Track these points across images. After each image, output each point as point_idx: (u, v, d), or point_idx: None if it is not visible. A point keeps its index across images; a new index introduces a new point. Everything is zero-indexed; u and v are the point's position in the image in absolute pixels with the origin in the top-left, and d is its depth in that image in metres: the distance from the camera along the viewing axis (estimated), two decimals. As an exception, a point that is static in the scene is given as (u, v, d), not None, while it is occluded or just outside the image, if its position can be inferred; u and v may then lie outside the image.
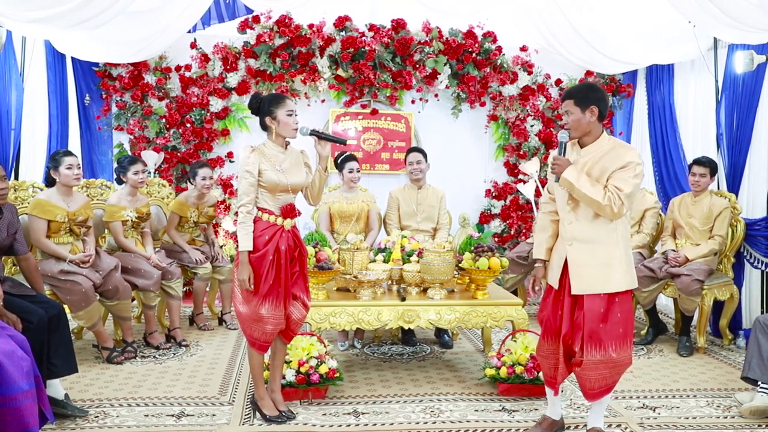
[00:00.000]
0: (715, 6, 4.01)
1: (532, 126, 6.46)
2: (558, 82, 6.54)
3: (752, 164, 4.77)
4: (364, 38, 6.10)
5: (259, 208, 3.16)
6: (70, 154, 4.07)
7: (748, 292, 4.86)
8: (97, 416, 3.29)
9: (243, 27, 6.06)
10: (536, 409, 3.45)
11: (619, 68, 6.17)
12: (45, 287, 3.72)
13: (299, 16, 6.04)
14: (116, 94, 6.04)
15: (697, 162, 4.68)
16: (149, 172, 5.66)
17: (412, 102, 6.46)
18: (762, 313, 4.63)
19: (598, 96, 2.88)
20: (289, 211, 3.21)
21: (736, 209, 4.69)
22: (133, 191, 4.56)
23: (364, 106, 6.39)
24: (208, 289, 5.19)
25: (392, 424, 3.26)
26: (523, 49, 6.43)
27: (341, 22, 6.11)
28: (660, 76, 5.88)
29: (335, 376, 3.54)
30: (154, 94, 5.99)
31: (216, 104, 6.08)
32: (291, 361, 3.49)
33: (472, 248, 3.90)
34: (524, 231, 6.44)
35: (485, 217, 6.55)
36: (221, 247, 5.39)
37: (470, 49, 6.26)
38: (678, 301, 4.60)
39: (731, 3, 3.96)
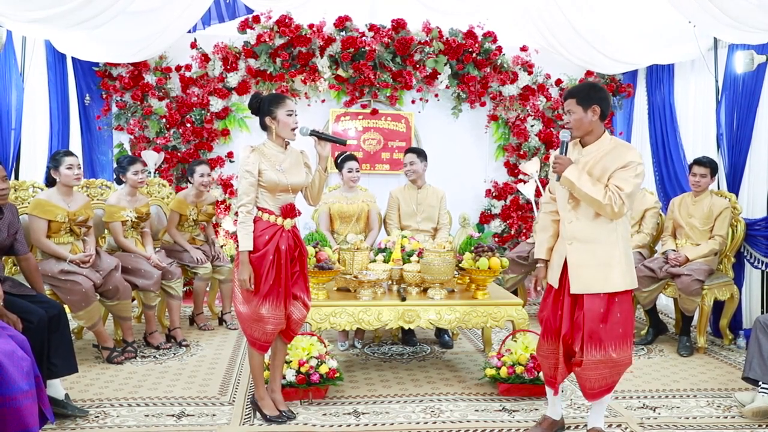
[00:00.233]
0: (715, 6, 4.01)
1: (532, 126, 6.46)
2: (558, 82, 6.54)
3: (752, 164, 4.78)
4: (364, 38, 6.10)
5: (259, 208, 3.16)
6: (70, 154, 4.08)
7: (748, 292, 4.86)
8: (98, 416, 3.29)
9: (243, 27, 6.06)
10: (536, 409, 3.45)
11: (619, 68, 6.17)
12: (45, 287, 3.72)
13: (299, 16, 6.04)
14: (116, 94, 6.04)
15: (698, 162, 4.68)
16: (149, 172, 5.66)
17: (412, 102, 6.45)
18: (762, 313, 4.62)
19: (600, 95, 2.88)
20: (289, 211, 3.21)
21: (736, 209, 4.69)
22: (133, 191, 4.56)
23: (364, 106, 6.39)
24: (208, 289, 5.19)
25: (392, 424, 3.26)
26: (523, 49, 6.43)
27: (341, 22, 6.11)
28: (660, 76, 5.88)
29: (335, 376, 3.54)
30: (155, 94, 5.99)
31: (216, 104, 6.08)
32: (291, 361, 3.49)
33: (473, 248, 3.90)
34: (524, 231, 6.44)
35: (485, 217, 6.55)
36: (221, 246, 5.38)
37: (470, 49, 6.26)
38: (678, 301, 4.60)
39: (731, 3, 3.95)
